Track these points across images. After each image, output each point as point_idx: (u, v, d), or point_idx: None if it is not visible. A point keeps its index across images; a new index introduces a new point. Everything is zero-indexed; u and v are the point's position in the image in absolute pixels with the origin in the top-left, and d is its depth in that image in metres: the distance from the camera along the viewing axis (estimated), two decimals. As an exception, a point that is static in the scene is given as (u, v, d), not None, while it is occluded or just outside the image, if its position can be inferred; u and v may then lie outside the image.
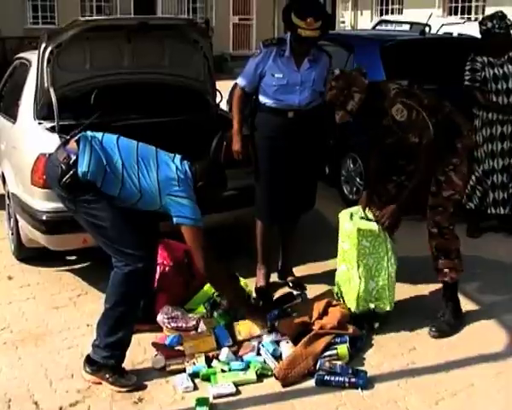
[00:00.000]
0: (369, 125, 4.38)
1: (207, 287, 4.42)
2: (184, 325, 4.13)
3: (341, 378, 3.65)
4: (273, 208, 4.73)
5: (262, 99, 4.60)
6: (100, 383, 3.65)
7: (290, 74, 4.53)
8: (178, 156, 3.87)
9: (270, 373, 3.73)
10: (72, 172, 3.56)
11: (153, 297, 4.22)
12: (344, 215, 4.37)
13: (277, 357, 3.83)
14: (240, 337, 3.98)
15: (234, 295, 4.12)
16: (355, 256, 4.20)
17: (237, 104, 4.69)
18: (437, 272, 4.31)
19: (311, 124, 4.63)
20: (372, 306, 4.21)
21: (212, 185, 3.94)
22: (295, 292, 4.67)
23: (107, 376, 3.62)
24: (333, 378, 3.65)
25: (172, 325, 4.14)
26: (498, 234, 6.04)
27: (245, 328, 4.01)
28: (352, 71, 4.24)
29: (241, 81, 4.68)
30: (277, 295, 4.66)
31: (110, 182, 3.65)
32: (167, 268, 4.43)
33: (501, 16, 5.60)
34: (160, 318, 4.18)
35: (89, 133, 3.74)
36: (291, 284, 4.90)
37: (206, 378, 3.68)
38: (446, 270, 4.26)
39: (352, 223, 4.23)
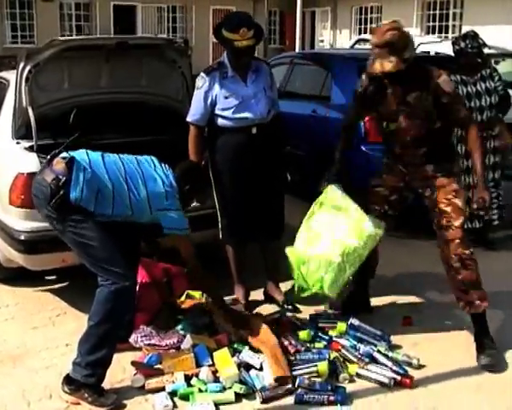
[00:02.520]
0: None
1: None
2: (158, 343, 4.12)
3: (320, 396, 3.65)
4: (242, 228, 4.70)
5: (221, 123, 4.54)
6: (78, 403, 3.62)
7: (241, 91, 4.52)
8: (158, 164, 3.97)
9: (251, 392, 3.73)
10: (61, 193, 3.60)
11: (133, 316, 4.22)
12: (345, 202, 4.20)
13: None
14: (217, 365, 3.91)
15: (215, 295, 4.33)
16: (364, 256, 4.08)
17: (195, 145, 4.58)
18: (468, 305, 4.11)
19: (272, 135, 4.64)
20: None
21: (197, 188, 4.09)
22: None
23: (86, 395, 3.60)
24: (312, 396, 3.65)
25: (146, 342, 4.13)
26: (476, 249, 6.08)
27: (222, 358, 3.94)
28: None
29: (193, 118, 4.58)
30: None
31: (102, 204, 3.71)
32: (146, 287, 4.43)
33: (473, 35, 5.69)
34: (132, 337, 4.17)
35: (78, 157, 3.77)
36: (281, 303, 4.86)
37: (185, 397, 3.67)
38: (478, 301, 4.09)
39: (374, 225, 4.08)
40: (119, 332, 3.80)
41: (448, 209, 4.08)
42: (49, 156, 3.83)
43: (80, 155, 3.81)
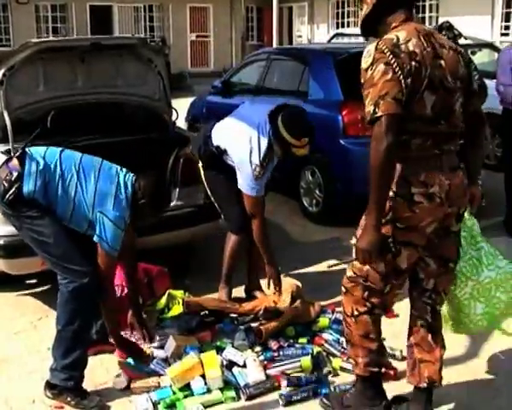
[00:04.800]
0: None
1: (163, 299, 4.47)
2: (139, 341, 4.11)
3: (305, 393, 3.68)
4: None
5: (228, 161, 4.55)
6: (62, 407, 3.61)
7: (272, 165, 4.54)
8: (123, 171, 3.83)
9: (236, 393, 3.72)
10: (14, 188, 3.57)
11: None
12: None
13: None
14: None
15: (117, 335, 4.00)
16: None
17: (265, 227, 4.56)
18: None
19: None
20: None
21: (154, 204, 3.86)
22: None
23: (69, 399, 3.60)
24: (298, 394, 3.66)
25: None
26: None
27: (209, 358, 3.90)
28: None
29: (258, 193, 4.46)
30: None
31: (51, 196, 3.65)
32: (126, 289, 4.40)
33: (448, 26, 5.67)
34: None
35: (32, 150, 3.74)
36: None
37: (171, 406, 3.62)
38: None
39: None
40: (88, 332, 3.80)
41: None
42: (12, 155, 3.81)
43: (37, 149, 3.77)
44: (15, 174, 3.59)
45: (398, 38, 2.89)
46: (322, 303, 4.69)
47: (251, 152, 4.34)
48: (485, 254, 3.50)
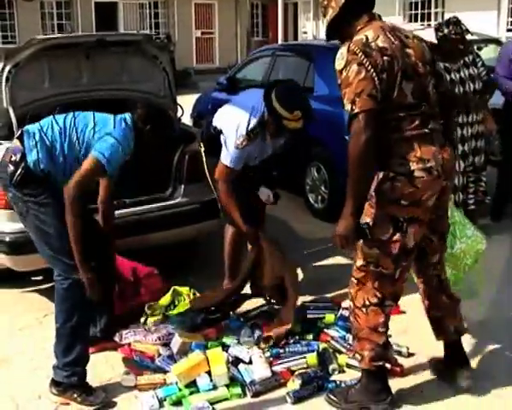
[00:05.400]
0: None
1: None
2: (144, 338, 4.11)
3: (311, 390, 3.67)
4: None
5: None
6: (68, 404, 3.62)
7: (262, 150, 4.57)
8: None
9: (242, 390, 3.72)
10: (20, 169, 3.61)
11: (112, 315, 4.20)
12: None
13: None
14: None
15: (82, 261, 3.60)
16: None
17: (232, 191, 4.44)
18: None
19: None
20: None
21: (159, 127, 3.90)
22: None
23: (75, 395, 3.61)
24: (305, 391, 3.66)
25: (131, 338, 4.12)
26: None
27: (214, 355, 3.90)
28: None
29: (231, 164, 4.37)
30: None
31: (57, 158, 3.67)
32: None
33: (456, 22, 5.68)
34: (117, 335, 4.15)
35: (28, 127, 3.78)
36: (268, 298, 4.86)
37: (177, 403, 3.61)
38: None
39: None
40: (87, 327, 3.80)
41: None
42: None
43: (32, 126, 3.80)
44: (19, 155, 3.64)
45: (367, 38, 3.12)
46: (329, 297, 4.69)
47: (239, 124, 4.35)
48: (458, 226, 3.82)
